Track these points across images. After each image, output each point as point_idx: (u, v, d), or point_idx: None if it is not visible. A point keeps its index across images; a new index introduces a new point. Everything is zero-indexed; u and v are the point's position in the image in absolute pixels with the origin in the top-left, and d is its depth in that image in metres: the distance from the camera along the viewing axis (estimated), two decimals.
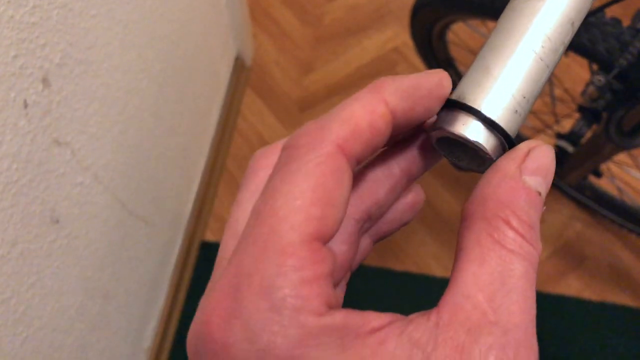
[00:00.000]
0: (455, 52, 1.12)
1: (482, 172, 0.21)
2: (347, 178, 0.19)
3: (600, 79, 0.65)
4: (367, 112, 0.19)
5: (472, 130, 0.20)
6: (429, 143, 0.23)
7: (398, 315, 0.18)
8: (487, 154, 0.21)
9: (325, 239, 0.18)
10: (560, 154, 0.96)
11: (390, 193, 0.24)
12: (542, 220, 1.05)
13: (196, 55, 1.07)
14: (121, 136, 0.78)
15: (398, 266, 1.22)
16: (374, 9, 1.60)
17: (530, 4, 0.21)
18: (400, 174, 0.24)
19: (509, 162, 0.20)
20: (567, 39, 0.22)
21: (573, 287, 1.20)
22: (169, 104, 0.96)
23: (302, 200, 0.18)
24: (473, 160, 0.22)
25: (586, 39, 0.67)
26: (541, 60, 0.21)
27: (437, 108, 0.21)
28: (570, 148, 0.94)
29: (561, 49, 0.21)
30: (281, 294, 0.17)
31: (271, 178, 0.19)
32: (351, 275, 0.25)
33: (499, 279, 0.18)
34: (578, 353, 1.13)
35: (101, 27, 0.69)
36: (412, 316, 0.18)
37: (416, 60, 1.36)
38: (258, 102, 1.43)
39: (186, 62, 1.02)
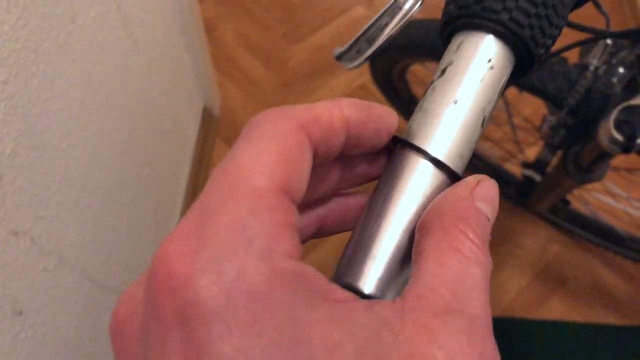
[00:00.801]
0: (417, 90, 1.13)
1: None
2: (308, 155, 0.20)
3: (552, 119, 0.66)
4: (326, 110, 0.21)
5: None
6: (377, 155, 0.25)
7: (360, 296, 0.19)
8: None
9: (291, 196, 0.18)
10: (528, 184, 0.97)
11: (330, 176, 0.24)
12: (520, 246, 1.06)
13: (161, 115, 1.07)
14: (85, 211, 0.78)
15: None
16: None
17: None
18: (345, 162, 0.24)
19: (463, 188, 0.21)
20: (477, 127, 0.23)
21: (557, 310, 1.20)
22: (135, 170, 0.95)
23: (268, 157, 0.18)
24: None
25: (536, 79, 0.68)
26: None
27: (385, 135, 0.22)
28: (537, 177, 0.95)
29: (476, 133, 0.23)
30: (252, 231, 0.16)
31: (236, 143, 0.19)
32: None
33: (459, 279, 0.18)
34: None
35: (55, 108, 0.68)
36: (376, 300, 0.18)
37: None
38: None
39: (150, 125, 1.02)
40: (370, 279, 0.20)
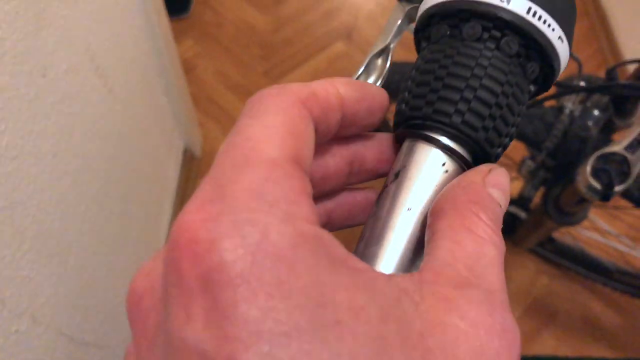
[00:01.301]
0: None
1: None
2: (311, 128, 0.20)
3: (530, 163, 0.65)
4: (322, 87, 0.21)
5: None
6: (388, 147, 0.25)
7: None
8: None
9: (303, 166, 0.18)
10: (513, 221, 0.97)
11: (339, 171, 0.24)
12: (509, 279, 1.04)
13: (139, 160, 1.06)
14: (60, 267, 0.75)
15: None
16: None
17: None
18: (354, 156, 0.24)
19: (476, 174, 0.21)
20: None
21: (548, 345, 1.19)
22: (113, 219, 0.93)
23: (276, 129, 0.18)
24: None
25: None
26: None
27: (378, 113, 0.23)
28: (522, 214, 0.94)
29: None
30: (271, 197, 0.16)
31: (239, 120, 0.19)
32: None
33: (475, 255, 0.18)
34: None
35: (26, 165, 0.67)
36: (393, 274, 0.18)
37: None
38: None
39: (129, 171, 1.00)
40: (385, 263, 0.20)
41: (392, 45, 0.25)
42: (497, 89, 0.21)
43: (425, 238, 0.20)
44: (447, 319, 0.16)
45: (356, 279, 0.16)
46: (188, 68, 1.61)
